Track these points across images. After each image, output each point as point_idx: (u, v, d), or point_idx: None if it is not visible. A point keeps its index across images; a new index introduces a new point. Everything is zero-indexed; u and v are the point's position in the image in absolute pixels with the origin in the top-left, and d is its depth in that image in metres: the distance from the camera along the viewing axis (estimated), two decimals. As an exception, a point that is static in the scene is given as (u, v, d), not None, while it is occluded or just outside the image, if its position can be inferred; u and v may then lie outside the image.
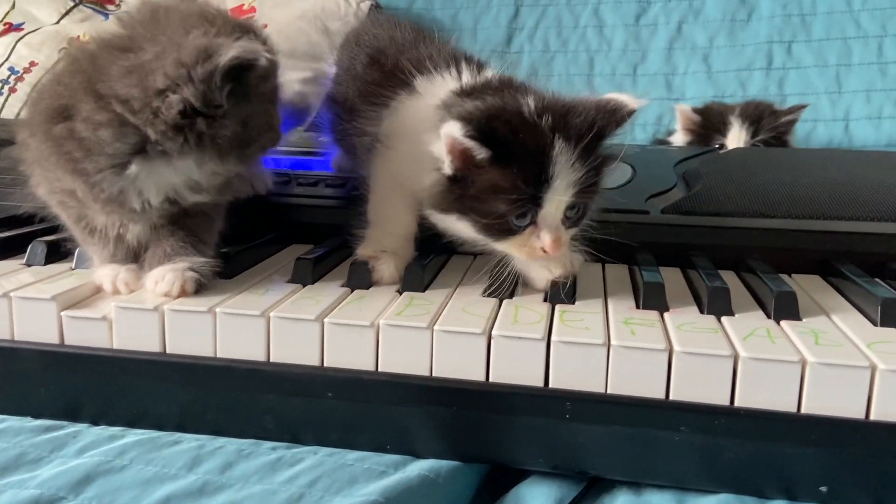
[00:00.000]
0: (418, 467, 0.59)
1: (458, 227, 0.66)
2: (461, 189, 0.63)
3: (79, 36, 1.49)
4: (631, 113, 0.64)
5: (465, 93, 0.68)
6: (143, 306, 0.63)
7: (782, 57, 1.42)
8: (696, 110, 1.35)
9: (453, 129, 0.59)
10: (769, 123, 1.26)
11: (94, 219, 0.67)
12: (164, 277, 0.65)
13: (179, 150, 0.61)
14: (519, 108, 0.62)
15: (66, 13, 1.58)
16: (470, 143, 0.59)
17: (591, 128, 0.61)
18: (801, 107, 1.28)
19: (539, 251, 0.63)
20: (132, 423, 0.64)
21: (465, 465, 0.61)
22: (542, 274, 0.69)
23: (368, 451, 0.61)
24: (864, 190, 0.86)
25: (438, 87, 0.71)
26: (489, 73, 0.74)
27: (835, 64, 1.40)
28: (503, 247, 0.65)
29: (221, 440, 0.62)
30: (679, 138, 1.35)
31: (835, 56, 1.41)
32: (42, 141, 0.63)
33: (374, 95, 0.75)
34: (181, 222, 0.68)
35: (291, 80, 1.42)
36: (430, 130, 0.64)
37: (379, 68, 0.79)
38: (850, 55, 1.40)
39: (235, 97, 0.61)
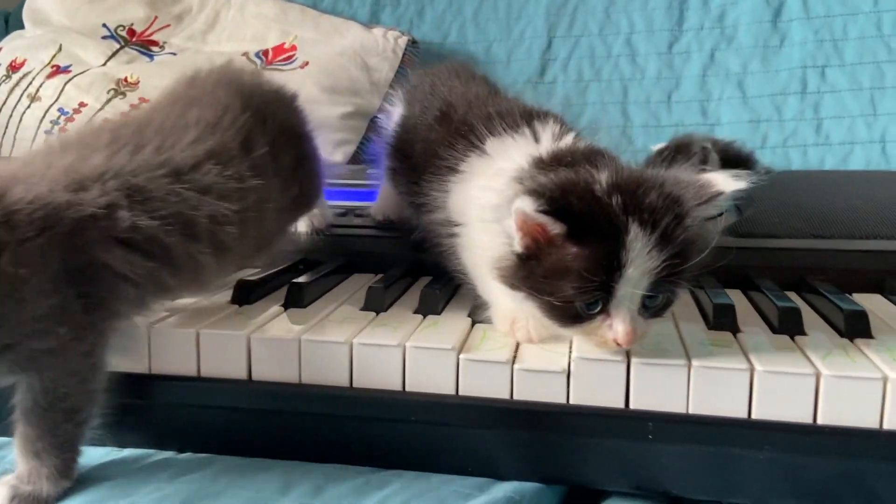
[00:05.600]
0: (503, 490, 0.61)
1: (526, 305, 0.61)
2: (530, 268, 0.59)
3: (126, 77, 1.54)
4: (717, 195, 0.58)
5: (541, 163, 0.64)
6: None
7: (817, 81, 1.44)
8: None
9: (525, 205, 0.55)
10: None
11: None
12: None
13: None
14: (591, 186, 0.58)
15: (113, 55, 1.63)
16: (543, 219, 0.56)
17: (670, 210, 0.57)
18: None
19: (611, 342, 0.58)
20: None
21: (546, 486, 0.62)
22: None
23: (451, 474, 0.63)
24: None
25: (512, 151, 0.67)
26: (569, 139, 0.68)
27: (869, 87, 1.42)
28: (571, 333, 0.61)
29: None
30: None
31: (868, 79, 1.43)
32: None
33: (442, 156, 0.70)
34: None
35: (333, 115, 1.46)
36: (501, 203, 0.60)
37: (448, 124, 0.74)
38: (884, 78, 1.42)
39: None
